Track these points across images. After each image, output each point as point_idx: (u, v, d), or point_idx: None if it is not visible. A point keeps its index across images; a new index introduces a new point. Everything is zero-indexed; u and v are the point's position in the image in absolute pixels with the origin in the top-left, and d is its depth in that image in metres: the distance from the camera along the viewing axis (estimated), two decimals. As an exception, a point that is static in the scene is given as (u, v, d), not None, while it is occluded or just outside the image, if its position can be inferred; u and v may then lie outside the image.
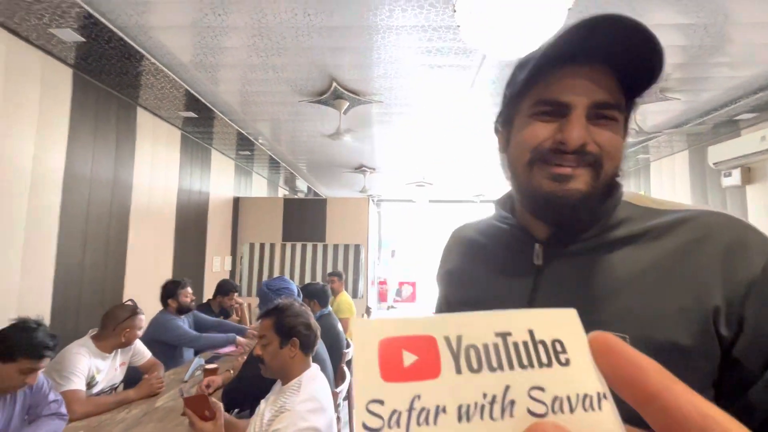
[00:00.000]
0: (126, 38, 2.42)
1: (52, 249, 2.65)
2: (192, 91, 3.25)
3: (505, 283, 0.55)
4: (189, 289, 2.77)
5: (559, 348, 0.18)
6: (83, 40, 2.41)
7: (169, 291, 2.62)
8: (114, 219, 3.24)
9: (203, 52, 2.68)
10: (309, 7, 2.18)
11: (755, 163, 3.74)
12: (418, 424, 0.16)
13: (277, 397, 1.17)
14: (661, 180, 5.17)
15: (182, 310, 2.62)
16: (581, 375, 0.17)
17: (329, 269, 5.49)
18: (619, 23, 0.42)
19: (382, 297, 9.90)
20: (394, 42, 2.51)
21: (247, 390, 1.46)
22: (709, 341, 0.42)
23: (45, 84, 2.57)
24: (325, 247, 5.69)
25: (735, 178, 3.85)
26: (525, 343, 0.18)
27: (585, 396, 0.17)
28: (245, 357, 1.96)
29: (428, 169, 6.30)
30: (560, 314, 0.19)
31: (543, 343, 0.18)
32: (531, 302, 0.51)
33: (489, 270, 0.58)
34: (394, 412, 0.16)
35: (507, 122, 0.57)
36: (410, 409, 0.16)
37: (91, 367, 1.73)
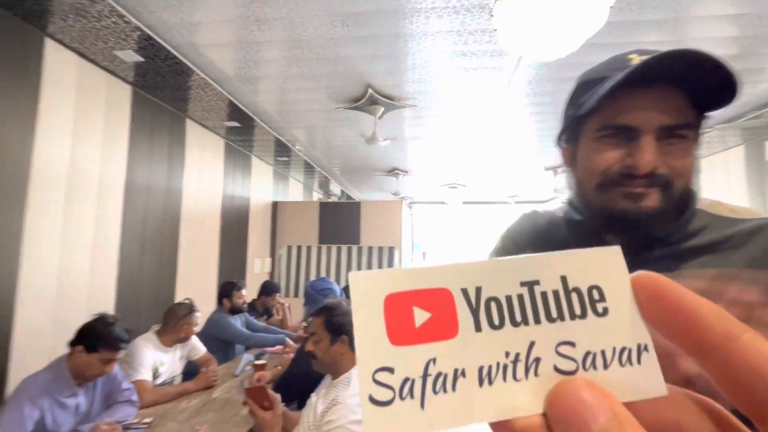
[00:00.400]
0: (179, 56, 2.61)
1: (115, 251, 2.89)
2: (236, 102, 3.44)
3: None
4: (243, 291, 2.92)
5: (596, 296, 0.16)
6: (142, 59, 2.63)
7: (225, 290, 2.78)
8: (167, 223, 3.48)
9: (246, 65, 2.85)
10: (347, 19, 2.27)
11: (821, 157, 3.47)
12: (435, 391, 0.14)
13: (328, 391, 1.25)
14: (713, 177, 4.88)
15: (234, 310, 2.77)
16: (620, 325, 0.15)
17: (364, 270, 5.59)
18: (695, 55, 0.42)
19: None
20: (429, 47, 2.55)
21: (297, 384, 1.54)
22: None
23: (109, 101, 2.82)
24: (359, 249, 5.80)
25: (797, 174, 3.58)
26: (555, 292, 0.15)
27: (623, 349, 0.15)
28: (292, 355, 2.06)
29: (461, 171, 6.28)
30: (601, 254, 0.16)
31: (577, 290, 0.16)
32: None
33: None
34: (406, 380, 0.14)
35: (571, 140, 0.57)
36: (425, 376, 0.14)
37: (155, 359, 1.89)
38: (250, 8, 2.17)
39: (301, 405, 1.47)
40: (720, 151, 4.69)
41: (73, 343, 1.40)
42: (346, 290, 2.66)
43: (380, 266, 5.69)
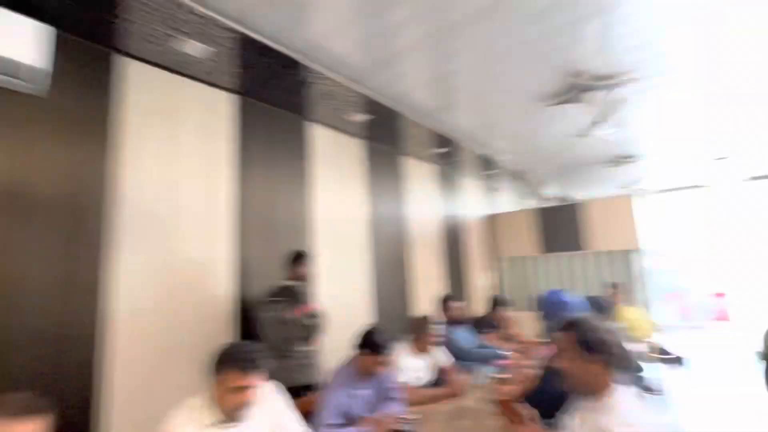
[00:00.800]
0: (395, 109, 3.11)
1: (368, 273, 3.58)
2: (440, 132, 3.78)
3: None
4: (454, 303, 3.08)
5: None
6: (371, 117, 3.27)
7: (442, 303, 3.04)
8: (400, 247, 4.07)
9: (443, 96, 3.12)
10: (533, 18, 2.16)
11: None
12: None
13: (587, 414, 1.15)
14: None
15: (450, 322, 2.94)
16: None
17: (594, 279, 4.89)
18: None
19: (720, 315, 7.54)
20: (643, 4, 2.11)
21: (544, 402, 1.49)
22: None
23: (349, 155, 3.60)
24: (586, 256, 5.13)
25: None
26: None
27: None
28: (527, 369, 2.01)
29: (722, 141, 4.72)
30: None
31: None
32: None
33: None
34: None
35: None
36: None
37: (412, 364, 2.22)
38: (441, 41, 2.37)
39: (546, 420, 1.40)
40: None
41: (358, 346, 1.82)
42: (592, 301, 2.41)
43: (612, 275, 4.83)
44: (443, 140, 4.06)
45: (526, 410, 1.24)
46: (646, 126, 4.06)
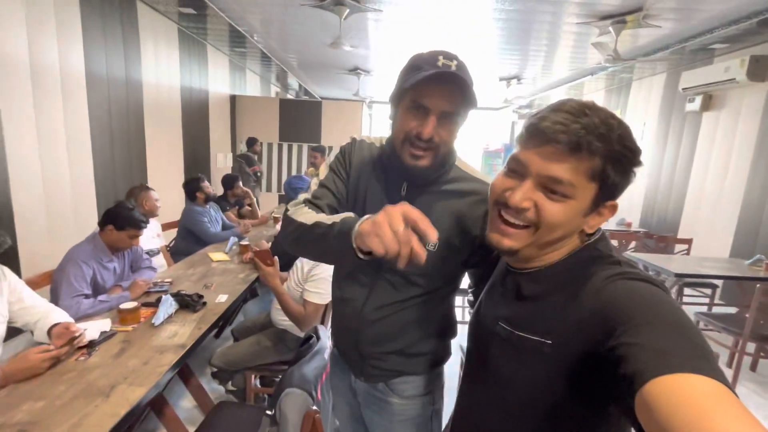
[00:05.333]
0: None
1: (87, 143, 3.02)
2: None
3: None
4: (206, 183, 3.23)
5: None
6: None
7: (193, 187, 3.10)
8: (131, 116, 3.53)
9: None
10: None
11: (716, 91, 4.12)
12: None
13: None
14: (636, 100, 5.51)
15: (208, 199, 3.15)
16: None
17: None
18: (461, 79, 0.74)
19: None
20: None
21: (281, 254, 2.05)
22: (470, 244, 0.86)
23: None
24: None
25: (696, 104, 4.26)
26: None
27: None
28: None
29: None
30: None
31: None
32: None
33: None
34: None
35: (396, 103, 0.85)
36: None
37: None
38: None
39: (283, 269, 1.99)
40: (648, 77, 5.24)
41: (103, 223, 1.76)
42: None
43: (339, 165, 6.06)
44: (193, -1, 3.52)
45: (274, 257, 1.75)
46: (378, 47, 4.94)
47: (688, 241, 4.01)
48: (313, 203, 0.88)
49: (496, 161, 9.79)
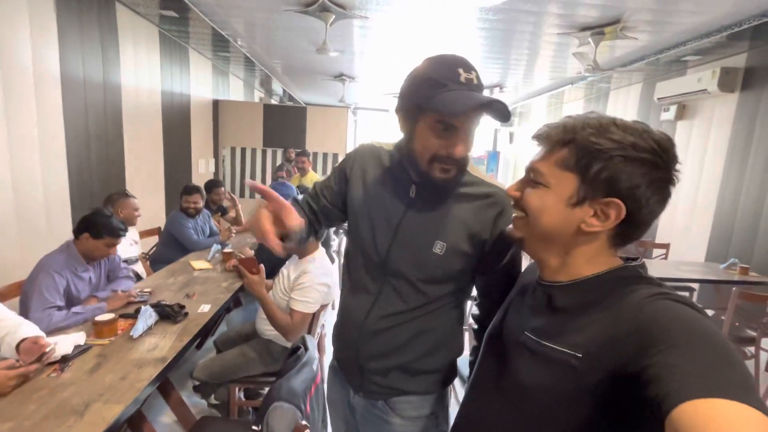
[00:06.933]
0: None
1: (62, 146, 2.90)
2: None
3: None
4: (191, 197, 3.12)
5: None
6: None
7: (180, 195, 3.04)
8: (109, 120, 3.42)
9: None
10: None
11: (689, 101, 4.28)
12: None
13: (297, 265, 1.74)
14: (615, 109, 5.68)
15: (189, 214, 3.05)
16: None
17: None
18: (497, 104, 0.73)
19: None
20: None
21: (265, 262, 2.01)
22: (479, 248, 0.85)
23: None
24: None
25: (671, 113, 4.42)
26: None
27: None
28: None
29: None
30: None
31: None
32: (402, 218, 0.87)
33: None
34: None
35: (410, 116, 0.82)
36: None
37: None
38: None
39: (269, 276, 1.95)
40: (625, 86, 5.42)
41: (78, 231, 1.67)
42: (301, 189, 3.04)
43: (324, 171, 6.03)
44: (173, 1, 3.45)
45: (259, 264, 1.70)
46: (364, 53, 4.95)
47: (666, 246, 4.13)
48: (297, 205, 0.96)
49: (479, 167, 9.91)
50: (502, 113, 0.74)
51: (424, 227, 0.86)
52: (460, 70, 0.75)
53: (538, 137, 0.64)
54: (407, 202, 0.88)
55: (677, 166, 0.57)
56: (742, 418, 0.35)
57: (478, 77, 0.77)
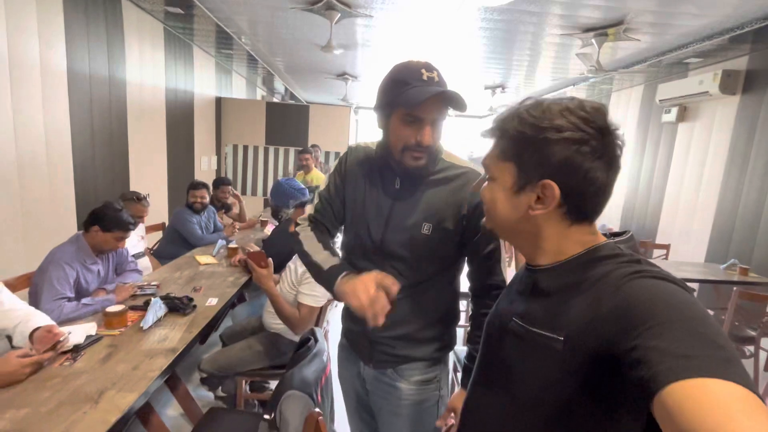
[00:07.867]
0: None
1: (68, 141, 2.91)
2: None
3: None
4: (198, 191, 3.15)
5: None
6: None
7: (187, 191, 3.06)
8: (114, 116, 3.43)
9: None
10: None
11: (690, 103, 4.31)
12: None
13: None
14: (616, 110, 5.71)
15: (195, 209, 3.07)
16: None
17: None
18: (452, 95, 0.87)
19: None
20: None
21: (273, 255, 2.02)
22: (460, 224, 0.97)
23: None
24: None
25: (672, 115, 4.45)
26: None
27: None
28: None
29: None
30: None
31: None
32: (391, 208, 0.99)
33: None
34: None
35: (385, 114, 0.96)
36: None
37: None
38: None
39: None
40: (626, 88, 5.45)
41: (88, 224, 1.69)
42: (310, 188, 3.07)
43: (327, 169, 6.05)
44: (180, -2, 3.46)
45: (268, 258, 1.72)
46: (365, 54, 4.97)
47: (666, 247, 4.15)
48: (316, 222, 1.08)
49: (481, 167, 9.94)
50: (458, 101, 0.89)
51: (411, 212, 0.98)
52: (423, 70, 0.89)
53: (485, 134, 0.68)
54: (394, 192, 1.00)
55: (618, 132, 0.58)
56: (728, 396, 0.36)
57: (439, 75, 0.90)
